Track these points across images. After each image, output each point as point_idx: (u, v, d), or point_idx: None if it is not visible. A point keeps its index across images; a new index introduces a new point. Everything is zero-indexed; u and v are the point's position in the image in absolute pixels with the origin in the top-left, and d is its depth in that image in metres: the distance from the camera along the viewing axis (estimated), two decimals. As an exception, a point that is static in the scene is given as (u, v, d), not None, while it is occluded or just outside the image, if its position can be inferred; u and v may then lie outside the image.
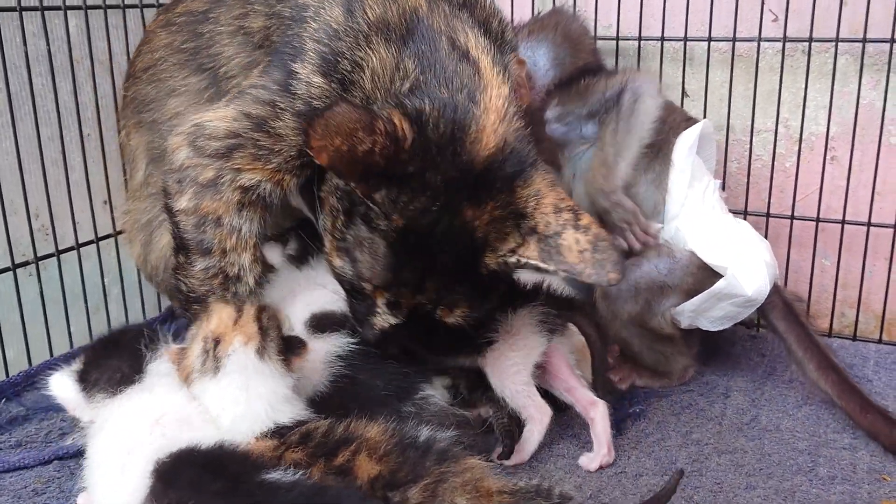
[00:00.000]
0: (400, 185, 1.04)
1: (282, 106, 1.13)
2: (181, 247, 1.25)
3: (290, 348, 1.09)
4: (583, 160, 1.52)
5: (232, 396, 1.03)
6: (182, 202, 1.21)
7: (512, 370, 1.24)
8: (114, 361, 1.06)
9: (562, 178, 1.60)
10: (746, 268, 1.38)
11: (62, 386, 1.08)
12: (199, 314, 1.30)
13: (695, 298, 1.40)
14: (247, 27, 1.25)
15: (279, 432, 1.01)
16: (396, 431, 1.00)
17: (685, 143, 1.45)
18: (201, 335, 1.07)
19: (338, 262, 1.14)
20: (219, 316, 1.08)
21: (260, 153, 1.15)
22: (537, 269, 1.07)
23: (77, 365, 1.09)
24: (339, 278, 1.17)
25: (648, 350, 1.45)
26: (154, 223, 1.43)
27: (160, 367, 1.06)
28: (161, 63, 1.38)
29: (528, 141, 1.11)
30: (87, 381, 1.06)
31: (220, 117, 1.17)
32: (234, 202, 1.18)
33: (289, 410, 1.05)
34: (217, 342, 1.05)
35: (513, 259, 1.07)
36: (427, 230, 1.05)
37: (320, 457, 0.96)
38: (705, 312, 1.42)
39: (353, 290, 1.16)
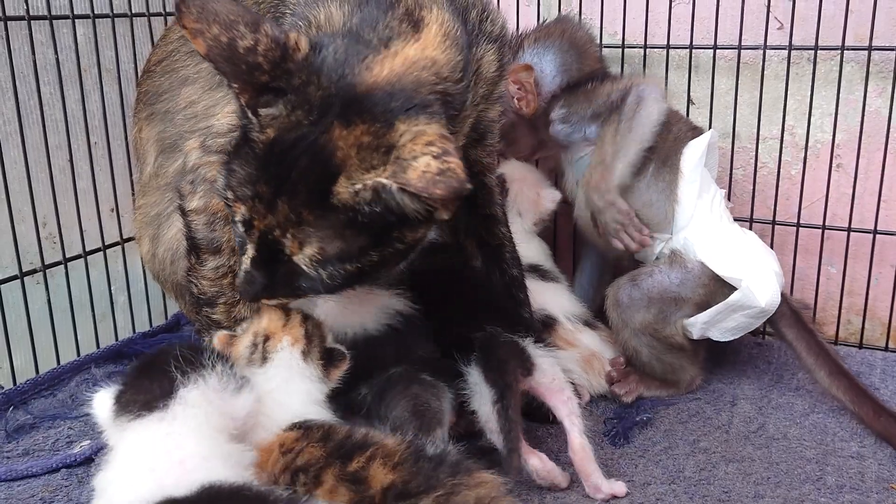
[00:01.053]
0: (284, 99, 1.00)
1: None
2: (193, 248, 1.26)
3: (330, 358, 1.14)
4: (586, 164, 1.53)
5: (273, 387, 1.09)
6: (193, 202, 1.23)
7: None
8: (146, 382, 0.98)
9: (565, 182, 1.61)
10: (759, 279, 1.39)
11: (100, 404, 0.99)
12: (204, 324, 1.31)
13: (709, 310, 1.41)
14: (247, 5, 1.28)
15: (305, 426, 1.05)
16: (412, 442, 1.01)
17: (694, 154, 1.45)
18: (252, 330, 1.15)
19: (219, 178, 1.08)
20: (269, 316, 1.15)
21: None
22: (375, 190, 0.96)
23: (120, 384, 1.01)
24: (222, 196, 1.08)
25: (658, 360, 1.45)
26: (162, 216, 1.42)
27: (189, 395, 0.96)
28: (174, 54, 1.39)
29: (438, 98, 1.03)
30: (120, 402, 0.98)
31: (224, 113, 1.18)
32: None
33: (319, 413, 1.10)
34: (267, 338, 1.13)
35: (359, 186, 0.97)
36: (292, 144, 0.99)
37: (336, 459, 0.99)
38: (718, 324, 1.42)
39: (229, 210, 1.09)
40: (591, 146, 1.52)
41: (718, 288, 1.40)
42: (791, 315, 1.44)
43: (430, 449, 1.00)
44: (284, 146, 0.99)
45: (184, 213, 1.25)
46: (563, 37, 1.59)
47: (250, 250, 1.05)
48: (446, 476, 0.96)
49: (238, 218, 1.04)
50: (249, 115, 1.01)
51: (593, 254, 1.72)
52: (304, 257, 1.01)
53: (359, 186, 0.96)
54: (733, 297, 1.39)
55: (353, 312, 1.27)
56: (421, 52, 1.04)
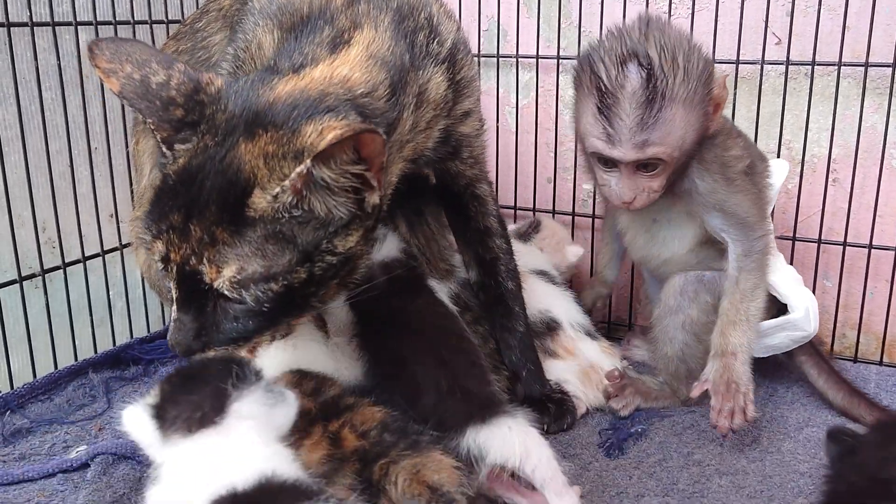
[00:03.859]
0: (198, 129, 0.99)
1: None
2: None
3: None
4: (672, 223, 1.45)
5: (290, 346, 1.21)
6: None
7: None
8: (194, 398, 0.94)
9: (629, 234, 1.53)
10: (812, 306, 1.44)
11: (137, 421, 0.96)
12: None
13: (768, 321, 1.42)
14: (224, 8, 1.33)
15: (304, 374, 1.17)
16: (387, 416, 1.11)
17: (774, 184, 1.48)
18: None
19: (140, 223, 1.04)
20: None
21: None
22: (295, 189, 0.93)
23: (152, 399, 0.97)
24: (143, 243, 1.03)
25: (682, 361, 1.44)
26: None
27: (243, 409, 0.95)
28: None
29: (350, 106, 1.00)
30: (165, 419, 0.94)
31: None
32: None
33: (321, 366, 1.21)
34: None
35: (277, 189, 0.94)
36: (199, 167, 0.97)
37: (322, 416, 1.09)
38: (763, 339, 1.43)
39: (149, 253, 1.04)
40: (689, 224, 1.43)
41: (769, 310, 1.41)
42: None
43: (408, 427, 1.09)
44: (192, 171, 0.97)
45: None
46: None
47: (174, 290, 1.00)
48: (400, 450, 1.05)
49: (157, 257, 1.00)
50: (165, 150, 1.00)
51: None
52: (224, 281, 0.95)
53: (277, 190, 0.93)
54: (794, 315, 1.42)
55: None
56: (330, 72, 1.03)
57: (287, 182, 0.93)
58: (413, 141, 1.16)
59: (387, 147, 1.00)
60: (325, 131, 0.95)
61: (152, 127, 1.00)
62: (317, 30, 1.09)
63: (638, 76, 1.22)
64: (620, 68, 1.23)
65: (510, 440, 1.11)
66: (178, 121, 1.00)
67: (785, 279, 1.45)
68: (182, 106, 1.00)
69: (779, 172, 1.50)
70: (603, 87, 1.24)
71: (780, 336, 1.44)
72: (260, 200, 0.95)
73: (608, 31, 1.30)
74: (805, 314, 1.42)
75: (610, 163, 1.29)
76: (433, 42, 1.18)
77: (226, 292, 0.96)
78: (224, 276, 0.95)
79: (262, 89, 1.01)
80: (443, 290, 1.41)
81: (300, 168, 0.92)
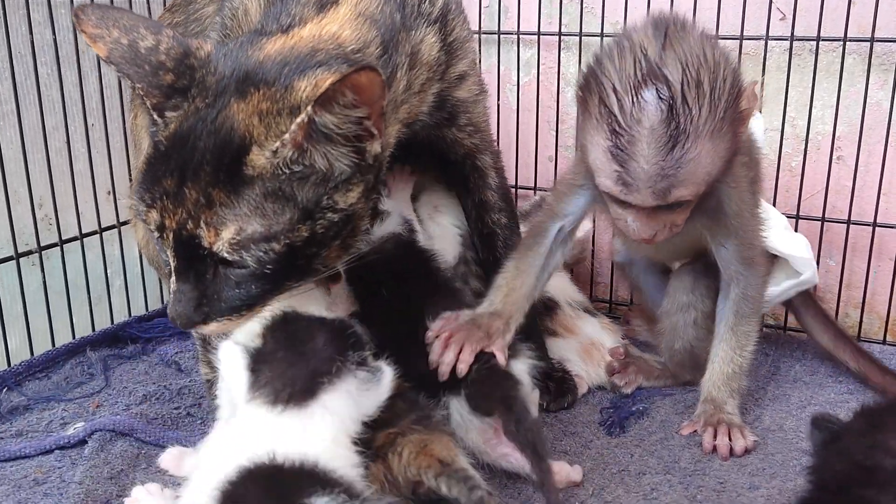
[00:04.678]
0: (187, 96, 0.98)
1: None
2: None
3: None
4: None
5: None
6: None
7: None
8: (290, 370, 0.95)
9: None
10: (808, 251, 1.46)
11: (232, 360, 0.97)
12: None
13: (783, 284, 1.44)
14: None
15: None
16: (401, 385, 1.07)
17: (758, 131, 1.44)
18: None
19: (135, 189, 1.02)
20: None
21: None
22: (295, 143, 0.92)
23: (254, 343, 0.98)
24: (137, 214, 1.01)
25: (689, 353, 1.41)
26: None
27: (331, 403, 0.95)
28: None
29: (342, 61, 0.99)
30: (258, 376, 0.95)
31: None
32: None
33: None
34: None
35: (276, 144, 0.92)
36: (190, 129, 0.95)
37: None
38: (777, 298, 1.47)
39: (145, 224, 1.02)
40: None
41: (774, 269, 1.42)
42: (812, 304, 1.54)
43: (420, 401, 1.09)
44: (184, 134, 0.95)
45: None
46: None
47: (171, 259, 0.98)
48: (413, 422, 1.04)
49: (152, 226, 0.97)
50: (156, 117, 0.98)
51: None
52: (223, 244, 0.93)
53: (276, 145, 0.92)
54: (806, 276, 1.44)
55: None
56: (319, 30, 1.02)
57: (287, 136, 0.91)
58: (408, 102, 1.14)
59: (385, 91, 0.97)
60: (319, 82, 0.93)
61: (141, 92, 0.98)
62: None
63: (657, 110, 1.02)
64: (635, 97, 1.03)
65: None
66: (168, 86, 0.98)
67: (780, 234, 1.43)
68: (172, 70, 0.98)
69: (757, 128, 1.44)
70: (615, 123, 1.04)
71: (789, 292, 1.47)
72: (258, 157, 0.93)
73: (617, 40, 1.09)
74: (812, 273, 1.43)
75: (626, 203, 1.11)
76: (424, 2, 1.16)
77: (226, 255, 0.94)
78: (223, 238, 0.93)
79: (252, 49, 0.99)
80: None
81: (301, 118, 0.91)
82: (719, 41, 1.11)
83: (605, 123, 1.06)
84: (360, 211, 1.01)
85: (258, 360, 0.95)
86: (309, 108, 0.90)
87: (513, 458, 1.14)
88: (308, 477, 0.87)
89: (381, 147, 0.99)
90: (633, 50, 1.05)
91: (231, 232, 0.93)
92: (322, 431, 0.93)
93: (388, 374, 1.01)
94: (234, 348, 0.96)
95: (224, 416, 1.04)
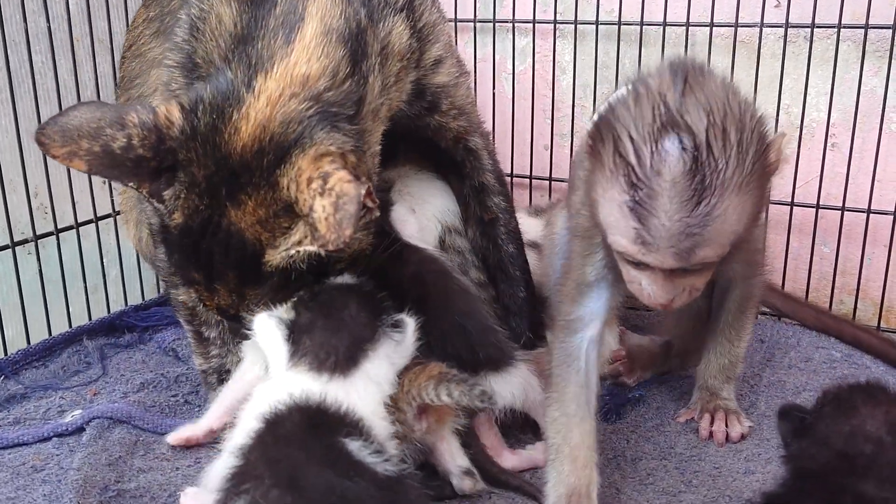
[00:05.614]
0: (178, 176, 1.00)
1: (171, 63, 1.14)
2: (152, 233, 1.27)
3: None
4: None
5: None
6: None
7: None
8: (332, 340, 1.01)
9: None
10: None
11: (268, 331, 1.03)
12: (175, 305, 1.32)
13: None
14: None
15: None
16: None
17: None
18: None
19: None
20: None
21: None
22: (314, 255, 0.99)
23: (287, 314, 1.04)
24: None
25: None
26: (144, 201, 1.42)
27: (373, 371, 1.02)
28: (140, 38, 1.39)
29: (316, 116, 1.00)
30: (297, 345, 1.01)
31: (156, 95, 1.20)
32: None
33: None
34: None
35: (293, 252, 0.99)
36: (200, 232, 1.00)
37: None
38: None
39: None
40: None
41: None
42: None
43: None
44: (194, 234, 1.01)
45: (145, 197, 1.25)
46: None
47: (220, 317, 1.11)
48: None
49: (194, 296, 1.10)
50: (156, 203, 1.02)
51: None
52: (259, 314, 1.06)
53: (292, 252, 0.98)
54: None
55: None
56: (287, 78, 1.00)
57: (302, 249, 0.98)
58: (387, 100, 1.13)
59: (364, 154, 1.04)
60: (300, 185, 0.95)
61: (135, 188, 1.01)
62: (271, 5, 1.05)
63: (680, 161, 0.91)
64: (655, 147, 0.92)
65: (515, 385, 1.19)
66: (154, 171, 1.00)
67: None
68: (153, 159, 0.99)
69: None
70: (633, 175, 0.93)
71: None
72: (274, 257, 1.00)
73: (631, 86, 0.99)
74: None
75: (642, 264, 0.99)
76: None
77: None
78: (258, 312, 1.05)
79: (227, 131, 0.99)
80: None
81: (312, 249, 0.97)
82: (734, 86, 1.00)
83: (621, 175, 0.94)
84: (364, 248, 1.08)
85: (296, 331, 1.02)
86: (321, 250, 0.95)
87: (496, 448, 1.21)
88: (348, 423, 0.93)
89: (372, 188, 0.99)
90: (651, 96, 0.95)
91: (264, 308, 1.05)
92: (365, 401, 0.99)
93: (411, 326, 1.06)
94: (269, 321, 1.03)
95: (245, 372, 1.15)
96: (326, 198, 0.92)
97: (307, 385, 0.98)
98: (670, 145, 0.91)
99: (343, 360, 0.99)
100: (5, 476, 1.18)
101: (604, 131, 0.98)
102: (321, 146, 0.98)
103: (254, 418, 0.95)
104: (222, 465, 0.93)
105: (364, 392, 0.99)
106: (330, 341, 1.00)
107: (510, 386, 1.19)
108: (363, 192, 0.91)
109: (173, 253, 1.05)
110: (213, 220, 0.99)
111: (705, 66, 1.01)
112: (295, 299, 1.05)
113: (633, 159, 0.93)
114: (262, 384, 1.05)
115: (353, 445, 0.90)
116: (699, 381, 1.34)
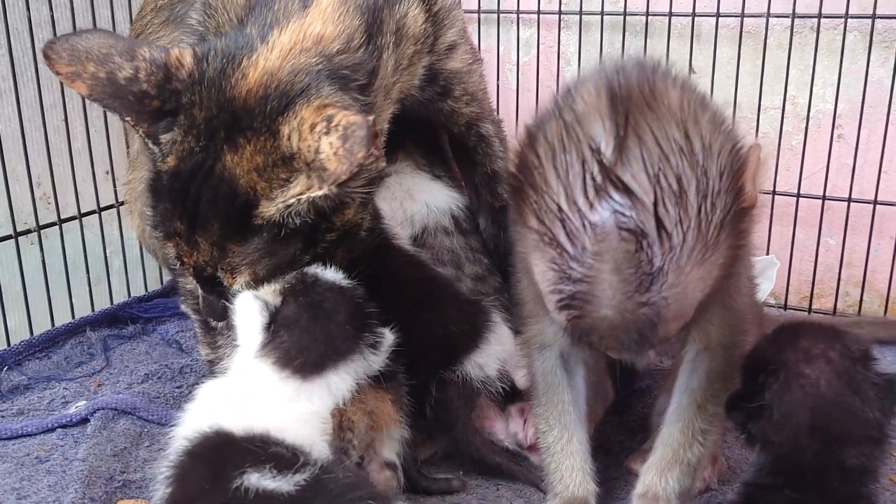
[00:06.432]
0: (178, 121, 0.97)
1: (187, 44, 1.12)
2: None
3: None
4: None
5: None
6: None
7: None
8: (308, 341, 0.96)
9: None
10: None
11: (248, 311, 0.98)
12: (182, 293, 1.30)
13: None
14: None
15: None
16: None
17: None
18: None
19: (146, 213, 1.06)
20: None
21: None
22: (313, 202, 0.93)
23: (273, 299, 0.98)
24: (155, 236, 1.07)
25: None
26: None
27: (336, 384, 0.97)
28: (148, 27, 1.37)
29: (324, 74, 0.98)
30: (273, 336, 0.96)
31: None
32: None
33: None
34: None
35: (292, 202, 0.93)
36: (191, 176, 0.96)
37: None
38: None
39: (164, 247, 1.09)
40: None
41: None
42: None
43: None
44: (184, 177, 0.97)
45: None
46: None
47: (194, 281, 1.04)
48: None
49: (171, 254, 1.04)
50: (151, 145, 0.99)
51: None
52: (239, 285, 0.99)
53: (291, 202, 0.93)
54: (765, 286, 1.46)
55: None
56: (300, 34, 1.00)
57: (305, 196, 0.92)
58: (399, 81, 1.13)
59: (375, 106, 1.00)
60: (303, 133, 0.92)
61: (132, 124, 0.99)
62: None
63: (620, 241, 0.72)
64: (587, 224, 0.72)
65: (496, 349, 1.19)
66: (155, 111, 0.98)
67: None
68: (156, 97, 0.97)
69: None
70: (563, 254, 0.74)
71: None
72: (267, 209, 0.95)
73: (559, 115, 0.78)
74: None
75: None
76: None
77: (236, 289, 1.00)
78: (239, 282, 0.99)
79: (235, 76, 0.97)
80: None
81: (321, 193, 0.91)
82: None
83: (550, 249, 0.75)
84: (357, 221, 1.03)
85: (277, 322, 0.97)
86: (332, 189, 0.90)
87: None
88: (251, 452, 0.88)
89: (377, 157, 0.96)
90: (579, 142, 0.74)
91: (245, 276, 0.99)
92: (316, 407, 0.96)
93: (388, 342, 1.01)
94: (252, 303, 0.98)
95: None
96: (333, 133, 0.90)
97: (265, 376, 0.95)
98: (606, 222, 0.72)
99: (310, 365, 0.95)
100: (9, 466, 1.18)
101: (525, 173, 0.78)
102: (326, 99, 0.95)
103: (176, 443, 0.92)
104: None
105: (317, 399, 0.96)
106: (306, 344, 0.96)
107: (492, 356, 1.18)
108: (371, 121, 0.89)
109: (160, 202, 1.00)
110: (205, 165, 0.95)
111: (658, 78, 0.78)
112: (285, 286, 0.99)
113: (560, 235, 0.74)
114: (208, 384, 1.01)
115: (252, 479, 0.86)
116: (641, 486, 1.02)
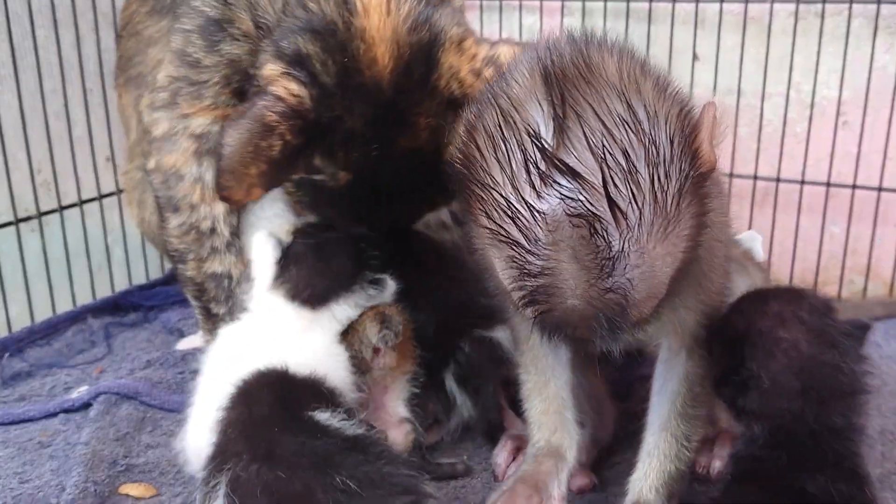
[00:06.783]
0: (325, 138, 0.99)
1: (188, 28, 1.11)
2: (157, 206, 1.25)
3: None
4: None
5: None
6: (151, 162, 1.21)
7: None
8: (315, 277, 1.07)
9: None
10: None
11: (262, 249, 1.10)
12: (182, 280, 1.29)
13: None
14: None
15: None
16: None
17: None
18: None
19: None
20: None
21: (194, 90, 1.12)
22: None
23: (286, 236, 1.11)
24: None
25: None
26: (146, 181, 1.40)
27: (339, 313, 1.08)
28: (135, 16, 1.36)
29: (428, 20, 0.99)
30: (283, 276, 1.08)
31: (165, 65, 1.16)
32: (191, 152, 1.15)
33: None
34: None
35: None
36: (376, 177, 1.01)
37: None
38: None
39: None
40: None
41: None
42: None
43: None
44: (366, 179, 1.01)
45: (146, 172, 1.23)
46: None
47: None
48: None
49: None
50: (316, 177, 1.03)
51: None
52: None
53: None
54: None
55: None
56: None
57: None
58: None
59: None
60: (465, 81, 0.98)
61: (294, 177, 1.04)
62: None
63: (571, 229, 0.68)
64: (537, 216, 0.69)
65: None
66: (301, 149, 1.00)
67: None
68: (301, 139, 0.99)
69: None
70: (519, 250, 0.71)
71: None
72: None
73: (495, 100, 0.74)
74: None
75: None
76: None
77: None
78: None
79: (360, 63, 0.98)
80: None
81: None
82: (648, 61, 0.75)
83: (505, 246, 0.72)
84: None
85: (287, 258, 1.08)
86: None
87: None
88: (313, 392, 0.97)
89: None
90: (518, 129, 0.71)
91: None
92: (325, 331, 1.07)
93: (391, 287, 1.10)
94: (267, 240, 1.09)
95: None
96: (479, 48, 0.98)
97: (278, 307, 1.06)
98: (556, 210, 0.68)
99: (316, 296, 1.06)
100: (12, 451, 1.17)
101: (470, 169, 0.74)
102: (454, 35, 0.99)
103: (227, 381, 0.98)
104: (203, 440, 0.94)
105: (327, 325, 1.07)
106: (311, 278, 1.07)
107: None
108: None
109: (341, 213, 1.06)
110: (383, 156, 0.99)
111: (590, 49, 0.74)
112: (298, 227, 1.11)
113: (513, 231, 0.70)
114: (228, 327, 1.12)
115: (322, 416, 0.93)
116: (631, 497, 0.97)
